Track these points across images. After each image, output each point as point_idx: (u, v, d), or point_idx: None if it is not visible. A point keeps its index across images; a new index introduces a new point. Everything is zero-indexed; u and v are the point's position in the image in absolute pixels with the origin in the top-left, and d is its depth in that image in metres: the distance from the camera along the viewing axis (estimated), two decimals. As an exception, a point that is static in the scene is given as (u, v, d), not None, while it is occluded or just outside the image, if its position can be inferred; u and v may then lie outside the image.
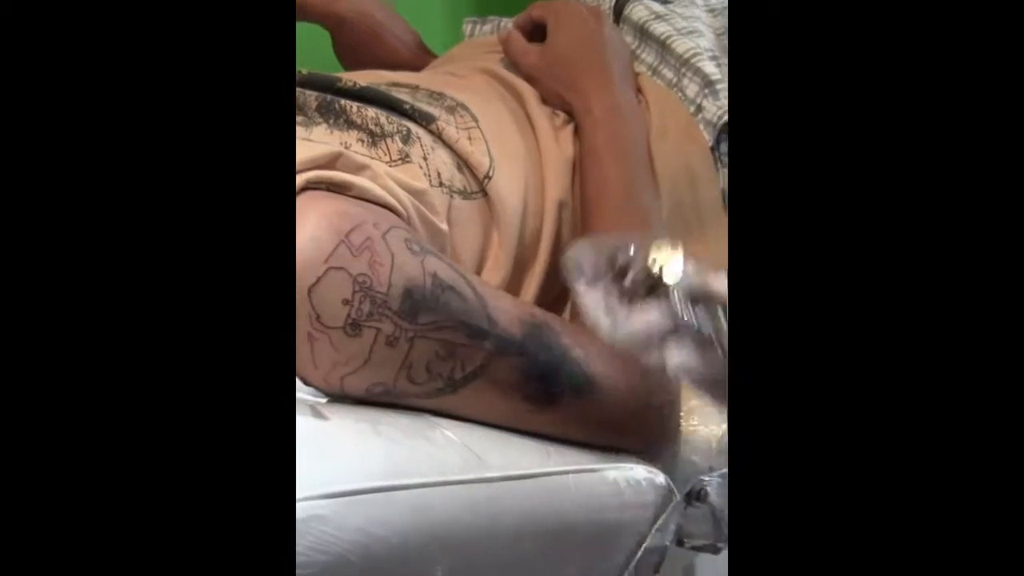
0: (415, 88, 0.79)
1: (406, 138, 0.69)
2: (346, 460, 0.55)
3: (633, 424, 0.68)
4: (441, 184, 0.70)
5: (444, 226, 0.67)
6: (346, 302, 0.57)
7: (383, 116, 0.70)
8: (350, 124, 0.68)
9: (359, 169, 0.62)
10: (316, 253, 0.56)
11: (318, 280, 0.56)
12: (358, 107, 0.69)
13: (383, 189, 0.62)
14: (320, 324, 0.57)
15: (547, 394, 0.64)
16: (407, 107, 0.74)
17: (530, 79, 0.85)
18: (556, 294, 0.78)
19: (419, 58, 1.02)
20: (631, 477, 0.67)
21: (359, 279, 0.57)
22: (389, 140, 0.68)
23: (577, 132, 0.82)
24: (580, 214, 0.78)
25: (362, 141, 0.66)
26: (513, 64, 0.87)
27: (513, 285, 0.75)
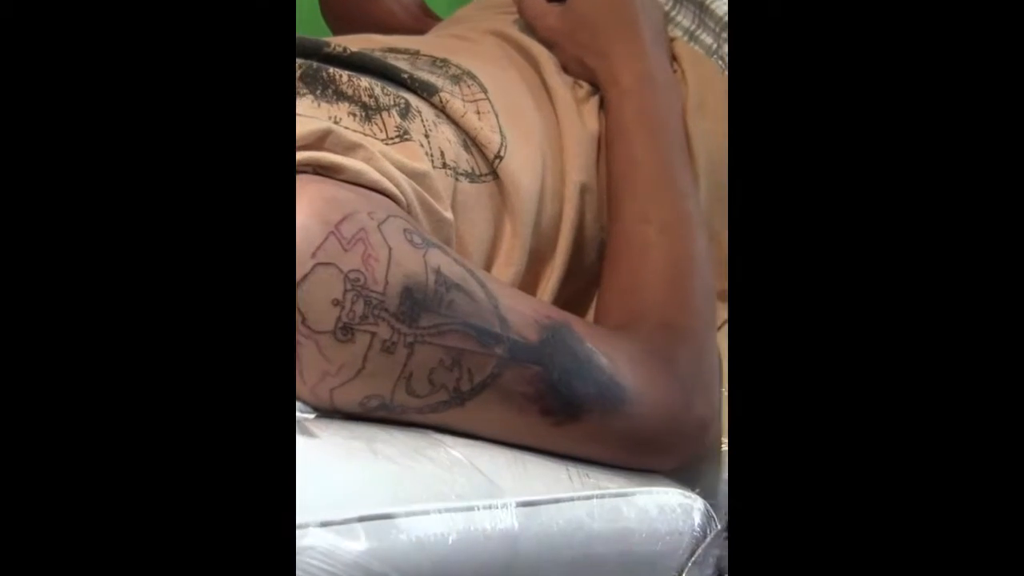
0: (415, 54, 0.78)
1: (404, 112, 0.68)
2: (338, 484, 0.54)
3: (668, 440, 0.67)
4: (445, 165, 0.68)
5: (448, 214, 0.66)
6: (336, 303, 0.55)
7: (378, 87, 0.68)
8: (340, 95, 0.66)
9: (351, 148, 0.61)
10: (302, 246, 0.54)
11: (304, 277, 0.54)
12: (349, 76, 0.68)
13: (379, 172, 0.61)
14: (307, 328, 0.55)
15: (568, 407, 0.62)
16: (405, 76, 0.72)
17: (549, 44, 0.84)
18: (577, 291, 0.77)
19: (420, 21, 1.03)
20: (664, 503, 0.65)
21: (351, 276, 0.55)
22: (385, 114, 0.66)
23: (602, 105, 0.81)
24: (606, 199, 0.77)
25: (354, 115, 0.65)
26: (530, 27, 0.86)
27: (528, 281, 0.74)
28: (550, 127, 0.78)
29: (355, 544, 0.52)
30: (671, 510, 0.65)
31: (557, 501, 0.61)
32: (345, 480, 0.54)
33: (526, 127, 0.76)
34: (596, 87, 0.82)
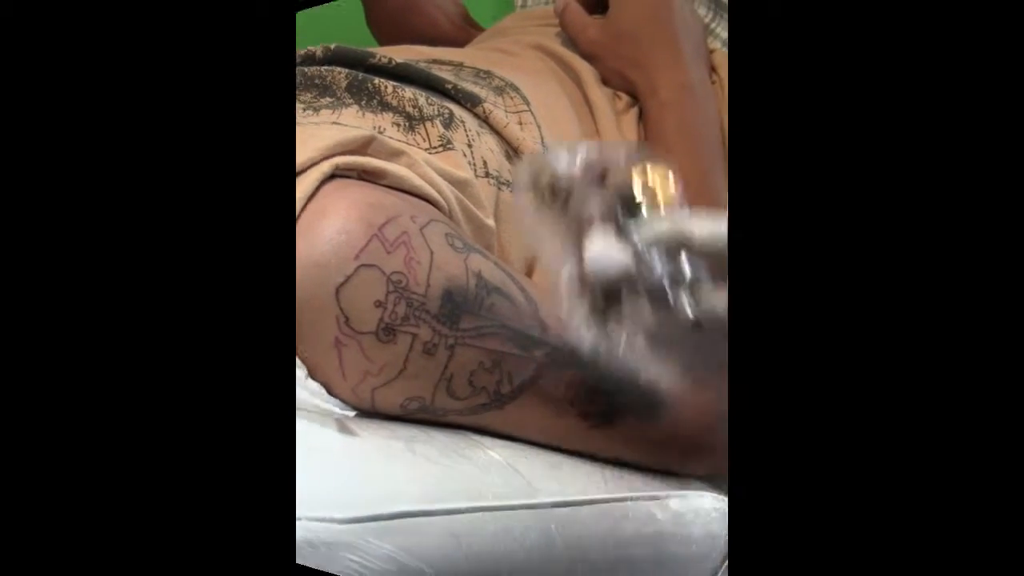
0: (459, 66, 0.80)
1: (448, 122, 0.69)
2: (377, 481, 0.56)
3: (702, 445, 0.67)
4: (487, 174, 0.70)
5: (491, 221, 0.67)
6: (379, 304, 0.57)
7: (422, 97, 0.69)
8: (384, 106, 0.67)
9: (394, 155, 0.62)
10: (346, 248, 0.56)
11: (347, 279, 0.56)
12: (394, 87, 0.69)
13: (421, 178, 0.62)
14: (349, 328, 0.57)
15: (605, 410, 0.63)
16: (449, 87, 0.74)
17: (589, 57, 0.86)
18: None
19: (463, 32, 1.02)
20: (699, 507, 0.67)
21: (393, 278, 0.57)
22: (429, 124, 0.67)
23: (642, 116, 0.82)
24: None
25: (398, 125, 0.66)
26: (570, 39, 0.88)
27: (567, 288, 0.76)
28: (590, 138, 0.79)
29: (391, 539, 0.54)
30: (705, 514, 0.67)
31: (592, 503, 0.63)
32: (384, 477, 0.56)
33: (567, 139, 0.77)
34: (635, 99, 0.83)
